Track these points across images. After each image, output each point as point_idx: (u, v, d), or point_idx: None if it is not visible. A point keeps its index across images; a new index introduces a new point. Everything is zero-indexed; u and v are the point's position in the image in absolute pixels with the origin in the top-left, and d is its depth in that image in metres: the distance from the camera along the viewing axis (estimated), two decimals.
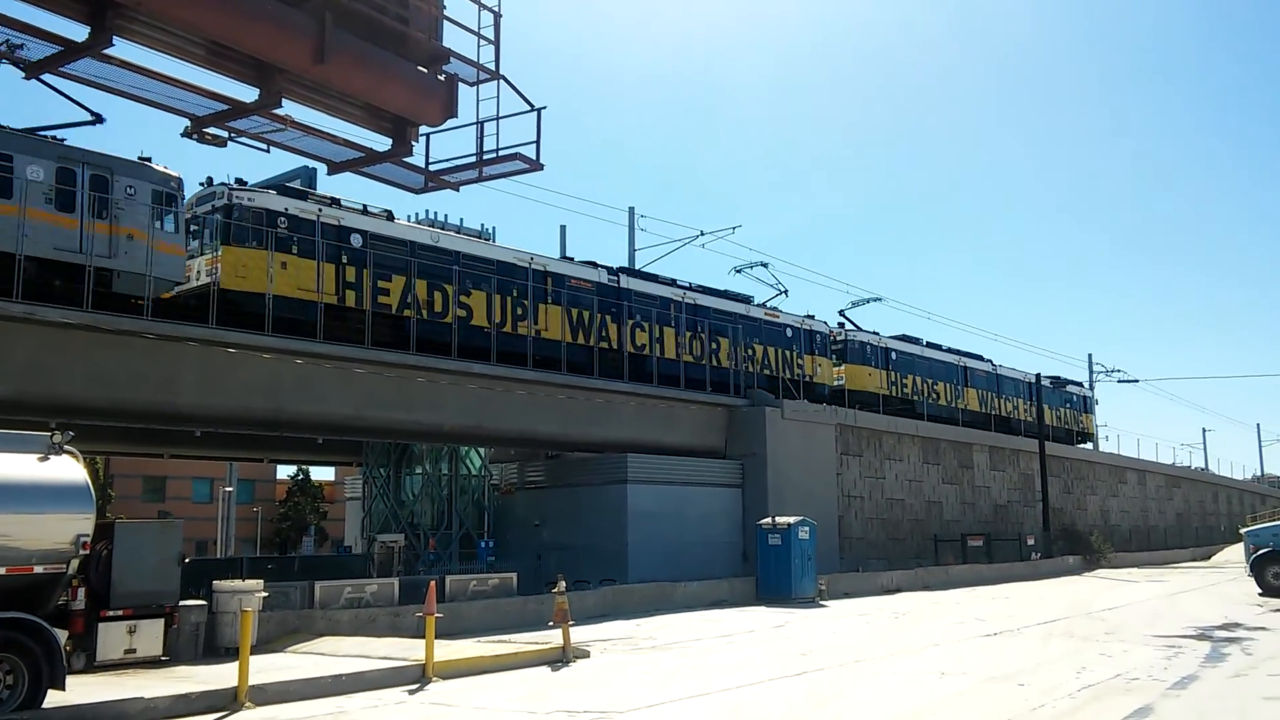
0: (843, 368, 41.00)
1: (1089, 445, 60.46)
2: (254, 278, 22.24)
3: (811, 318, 39.29)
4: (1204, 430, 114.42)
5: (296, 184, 24.63)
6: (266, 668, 13.41)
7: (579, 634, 17.16)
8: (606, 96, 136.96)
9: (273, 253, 22.58)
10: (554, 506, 31.73)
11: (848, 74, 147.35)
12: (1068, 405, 58.42)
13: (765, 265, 39.53)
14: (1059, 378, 57.83)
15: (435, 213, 27.41)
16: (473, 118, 13.45)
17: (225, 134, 12.97)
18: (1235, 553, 44.11)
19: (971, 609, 24.97)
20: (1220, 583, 34.88)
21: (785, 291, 39.37)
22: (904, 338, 45.54)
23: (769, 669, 14.47)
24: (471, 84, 13.30)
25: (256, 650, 13.80)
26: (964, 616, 22.95)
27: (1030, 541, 43.89)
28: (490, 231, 28.55)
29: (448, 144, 13.90)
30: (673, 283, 33.69)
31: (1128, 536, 57.78)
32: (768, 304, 38.33)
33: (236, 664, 12.16)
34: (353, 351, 23.38)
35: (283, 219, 23.16)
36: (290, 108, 12.33)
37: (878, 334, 43.66)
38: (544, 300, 28.62)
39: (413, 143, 13.40)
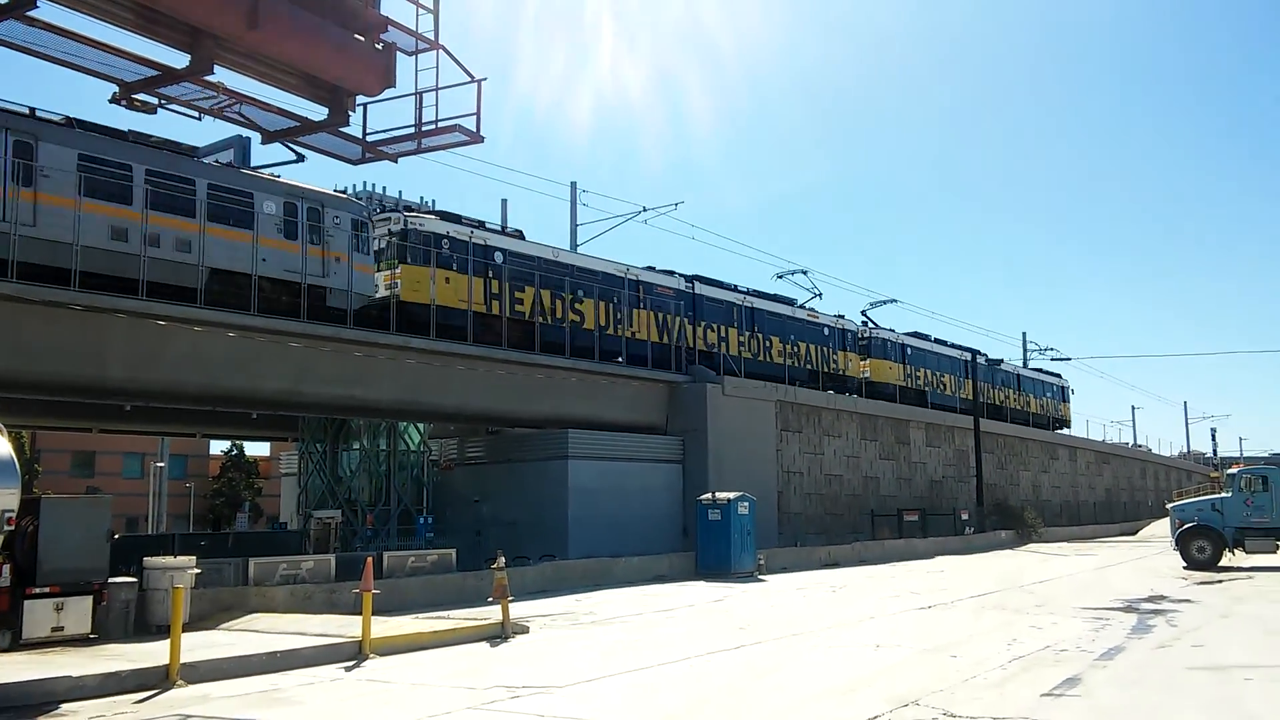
0: (867, 362, 45.36)
1: (1066, 431, 66.07)
2: (425, 291, 26.09)
3: (842, 317, 43.63)
4: (1133, 408, 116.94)
5: (229, 154, 24.25)
6: (199, 645, 13.20)
7: (519, 610, 17.12)
8: (547, 71, 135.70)
9: (466, 275, 27.18)
10: (494, 482, 31.59)
11: (795, 62, 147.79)
12: (1049, 395, 65.42)
13: (805, 273, 43.31)
14: (1042, 369, 64.98)
15: (373, 184, 27.04)
16: (411, 88, 13.20)
17: (155, 100, 12.60)
18: (1161, 527, 45.42)
19: (906, 583, 25.36)
20: (1147, 556, 35.81)
21: (820, 294, 43.29)
22: (916, 334, 50.06)
23: (708, 643, 14.55)
24: (410, 53, 13.04)
25: (189, 628, 13.58)
26: (899, 590, 23.30)
27: (964, 516, 44.77)
28: (430, 204, 28.21)
29: (386, 115, 13.66)
30: (734, 288, 37.78)
31: (1058, 511, 59.11)
32: (806, 305, 42.17)
33: (168, 642, 11.93)
34: (286, 325, 22.99)
35: (445, 240, 26.90)
36: (223, 75, 12.01)
37: (893, 330, 47.79)
38: (637, 306, 32.81)
39: (350, 112, 13.11)
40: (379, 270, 25.78)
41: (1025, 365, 64.57)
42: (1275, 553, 28.96)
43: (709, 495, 28.62)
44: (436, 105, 13.29)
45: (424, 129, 13.49)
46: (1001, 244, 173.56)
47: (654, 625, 17.11)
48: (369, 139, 13.83)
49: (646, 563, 27.02)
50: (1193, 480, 76.50)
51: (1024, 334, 66.92)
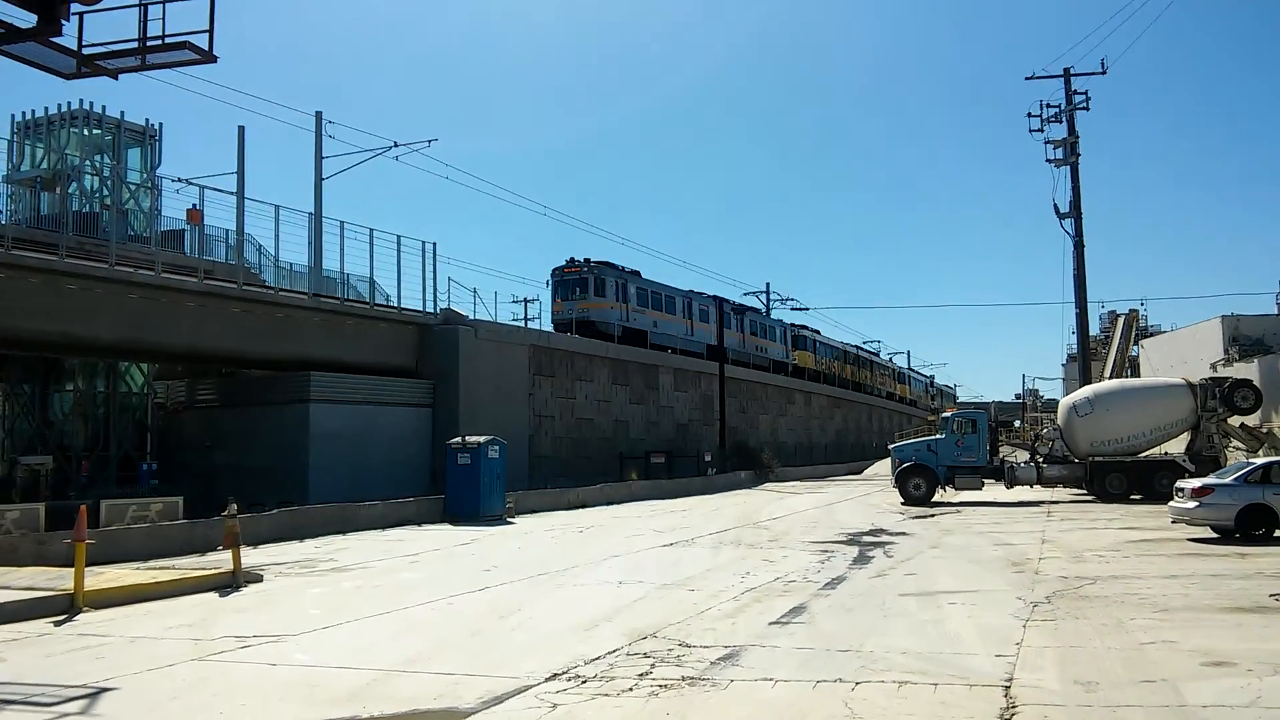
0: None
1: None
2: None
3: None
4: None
5: None
6: None
7: (254, 558, 16.42)
8: None
9: None
10: (229, 427, 30.07)
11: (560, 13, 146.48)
12: None
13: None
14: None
15: (92, 104, 24.77)
16: None
17: None
18: (884, 467, 48.94)
19: (651, 522, 26.12)
20: (871, 493, 38.47)
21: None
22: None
23: (453, 586, 14.45)
24: None
25: None
26: (643, 529, 23.97)
27: (708, 458, 46.65)
28: (157, 128, 26.17)
29: (108, 26, 12.45)
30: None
31: (794, 453, 62.58)
32: None
33: None
34: None
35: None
36: None
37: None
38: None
39: (63, 21, 11.85)
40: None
41: (768, 311, 67.55)
42: (981, 489, 31.90)
43: (459, 439, 28.35)
44: (164, 19, 12.23)
45: (149, 44, 12.39)
46: (750, 199, 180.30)
47: (398, 570, 16.84)
48: (85, 52, 12.56)
49: (393, 508, 26.50)
50: (912, 423, 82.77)
51: (768, 284, 70.50)
